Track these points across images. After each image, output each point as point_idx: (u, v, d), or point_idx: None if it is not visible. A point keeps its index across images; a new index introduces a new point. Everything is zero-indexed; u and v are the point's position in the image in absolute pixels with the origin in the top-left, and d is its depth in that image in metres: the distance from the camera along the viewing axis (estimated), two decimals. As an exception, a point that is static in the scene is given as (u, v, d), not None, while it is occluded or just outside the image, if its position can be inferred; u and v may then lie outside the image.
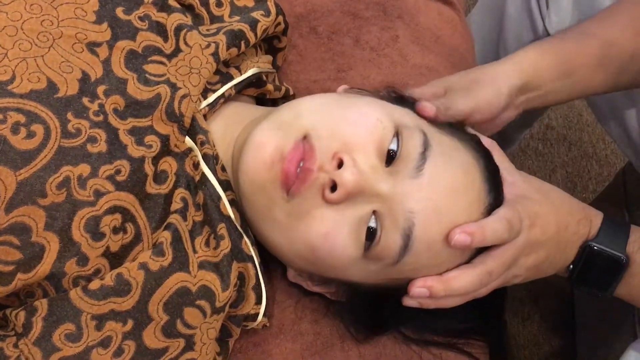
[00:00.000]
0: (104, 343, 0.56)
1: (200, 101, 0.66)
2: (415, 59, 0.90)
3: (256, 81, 0.74)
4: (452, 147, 0.63)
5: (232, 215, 0.64)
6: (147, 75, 0.63)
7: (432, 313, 0.64)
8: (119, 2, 0.64)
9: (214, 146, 0.65)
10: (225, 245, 0.62)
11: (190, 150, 0.63)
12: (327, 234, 0.59)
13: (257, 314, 0.65)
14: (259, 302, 0.65)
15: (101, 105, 0.59)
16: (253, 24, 0.71)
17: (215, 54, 0.66)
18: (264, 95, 0.77)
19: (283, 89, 0.79)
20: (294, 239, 0.61)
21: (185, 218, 0.61)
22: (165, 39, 0.65)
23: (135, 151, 0.59)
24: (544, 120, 1.66)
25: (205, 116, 0.66)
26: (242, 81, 0.71)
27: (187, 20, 0.67)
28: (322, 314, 0.70)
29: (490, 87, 0.72)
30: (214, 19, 0.72)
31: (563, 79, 0.76)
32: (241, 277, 0.64)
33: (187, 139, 0.63)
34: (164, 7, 0.67)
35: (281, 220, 0.60)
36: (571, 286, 0.71)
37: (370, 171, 0.58)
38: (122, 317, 0.56)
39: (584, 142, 1.66)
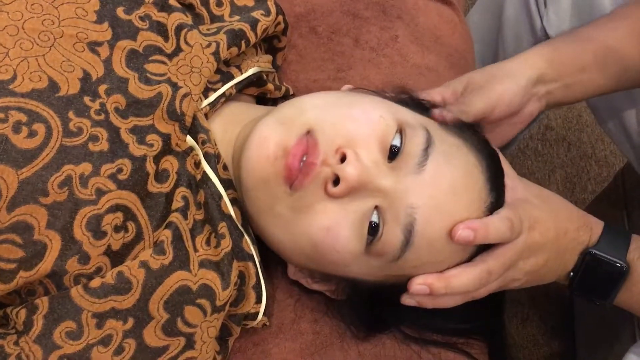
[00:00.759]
0: (105, 341, 0.56)
1: (201, 100, 0.66)
2: (415, 59, 0.90)
3: (257, 80, 0.74)
4: (455, 146, 0.63)
5: (233, 214, 0.65)
6: (148, 74, 0.63)
7: (432, 312, 0.64)
8: (120, 1, 0.65)
9: (215, 145, 0.65)
10: (226, 244, 0.62)
11: (191, 149, 0.63)
12: (329, 228, 0.59)
13: (257, 313, 0.65)
14: (259, 301, 0.65)
15: (102, 104, 0.60)
16: (253, 24, 0.71)
17: (216, 53, 0.66)
18: (265, 94, 0.77)
19: (283, 88, 0.79)
20: (296, 234, 0.61)
21: (186, 217, 0.61)
22: (166, 38, 0.66)
23: (136, 150, 0.60)
24: (543, 121, 1.67)
25: (206, 115, 0.67)
26: (242, 80, 0.71)
27: (188, 19, 0.68)
28: (321, 313, 0.70)
29: (507, 81, 0.72)
30: (214, 18, 0.72)
31: (579, 74, 0.76)
32: (241, 276, 0.64)
33: (189, 137, 0.63)
34: (164, 7, 0.67)
35: (283, 214, 0.60)
36: (571, 295, 0.71)
37: (372, 166, 0.58)
38: (122, 316, 0.57)
39: (583, 142, 1.66)
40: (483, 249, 0.63)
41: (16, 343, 0.55)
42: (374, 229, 0.59)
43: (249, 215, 0.65)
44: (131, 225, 0.59)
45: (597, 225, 0.69)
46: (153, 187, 0.60)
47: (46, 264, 0.55)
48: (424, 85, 0.88)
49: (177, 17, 0.67)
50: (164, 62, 0.64)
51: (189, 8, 0.71)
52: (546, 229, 0.65)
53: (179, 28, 0.66)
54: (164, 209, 0.61)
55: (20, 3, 0.61)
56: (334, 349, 0.69)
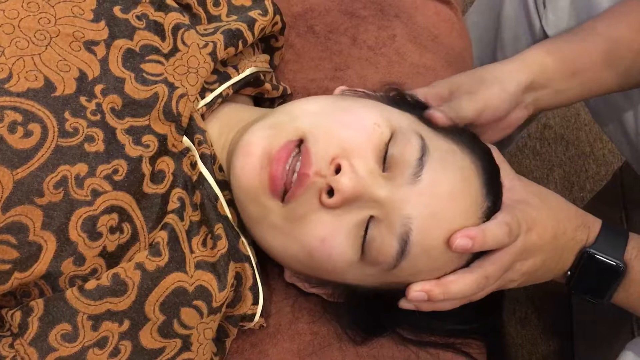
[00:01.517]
0: (100, 343, 0.56)
1: (198, 101, 0.65)
2: (413, 58, 0.89)
3: (254, 80, 0.74)
4: (449, 151, 0.62)
5: (230, 215, 0.64)
6: (144, 74, 0.62)
7: (430, 314, 0.64)
8: (117, 0, 0.64)
9: (212, 146, 0.65)
10: (223, 245, 0.62)
11: (187, 150, 0.63)
12: (324, 239, 0.59)
13: (254, 314, 0.65)
14: (255, 302, 0.65)
15: (98, 105, 0.59)
16: (250, 23, 0.71)
17: (212, 54, 0.66)
18: (262, 94, 0.77)
19: (281, 88, 0.79)
20: (290, 243, 0.60)
21: (182, 218, 0.61)
22: (163, 38, 0.65)
23: (132, 151, 0.59)
24: (541, 120, 1.66)
25: (203, 116, 0.66)
26: (239, 80, 0.71)
27: (185, 19, 0.67)
28: (319, 314, 0.70)
29: (496, 86, 0.72)
30: (211, 18, 0.72)
31: (570, 78, 0.76)
32: (238, 277, 0.64)
33: (185, 138, 0.63)
34: (161, 6, 0.66)
35: (277, 224, 0.60)
36: (569, 293, 0.71)
37: (368, 177, 0.58)
38: (118, 317, 0.56)
39: (582, 141, 1.66)
40: (480, 253, 0.62)
41: (11, 346, 0.55)
42: (367, 240, 0.59)
43: (243, 221, 0.65)
44: (127, 227, 0.58)
45: (595, 224, 0.69)
46: (149, 188, 0.60)
47: (41, 265, 0.55)
48: (421, 85, 0.87)
49: (174, 17, 0.66)
50: (160, 62, 0.64)
51: (186, 8, 0.71)
52: (544, 230, 0.65)
53: (176, 28, 0.66)
54: (160, 210, 0.60)
55: (17, 1, 0.60)
56: (332, 350, 0.69)
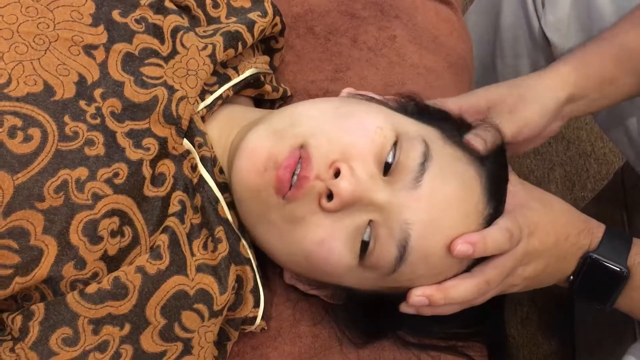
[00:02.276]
0: (101, 347, 0.56)
1: (198, 103, 0.65)
2: (413, 58, 0.89)
3: (254, 82, 0.74)
4: (454, 158, 0.62)
5: (230, 218, 0.64)
6: (144, 77, 0.62)
7: (431, 318, 0.64)
8: (115, 4, 0.64)
9: (212, 148, 0.65)
10: (223, 248, 0.62)
11: (188, 152, 0.63)
12: (322, 242, 0.59)
13: (255, 317, 0.65)
14: (256, 305, 0.65)
15: (98, 108, 0.59)
16: (250, 25, 0.71)
17: (212, 56, 0.66)
18: (262, 95, 0.77)
19: (281, 89, 0.79)
20: (289, 245, 0.60)
21: (183, 221, 0.61)
22: (162, 41, 0.65)
23: (133, 154, 0.59)
24: (542, 119, 1.66)
25: (203, 118, 0.66)
26: (239, 82, 0.71)
27: (184, 22, 0.67)
28: (320, 317, 0.70)
29: (537, 105, 0.71)
30: (210, 20, 0.72)
31: (600, 90, 0.76)
32: (239, 280, 0.64)
33: (185, 141, 0.63)
34: (160, 9, 0.66)
35: (277, 224, 0.60)
36: (571, 298, 0.71)
37: (368, 180, 0.58)
38: (119, 321, 0.56)
39: (583, 140, 1.65)
40: (481, 258, 0.62)
41: (12, 350, 0.55)
42: (366, 245, 0.59)
43: (244, 222, 0.65)
44: (127, 230, 0.58)
45: (598, 229, 0.68)
46: (149, 191, 0.60)
47: (42, 270, 0.55)
48: (422, 85, 0.87)
49: (173, 20, 0.66)
50: (160, 65, 0.64)
51: (185, 10, 0.71)
52: (546, 235, 0.65)
53: (175, 30, 0.66)
54: (161, 213, 0.60)
55: (15, 6, 0.60)
56: (333, 353, 0.69)
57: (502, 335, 0.78)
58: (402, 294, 0.62)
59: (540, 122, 0.71)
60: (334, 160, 0.58)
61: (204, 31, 0.69)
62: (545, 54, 1.00)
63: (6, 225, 0.53)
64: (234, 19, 0.72)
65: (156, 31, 0.65)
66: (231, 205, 0.65)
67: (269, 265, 0.69)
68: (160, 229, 0.60)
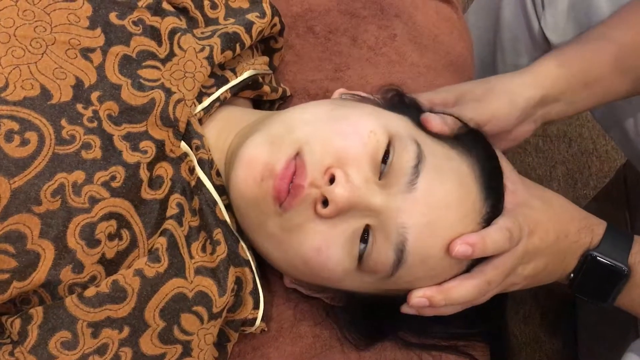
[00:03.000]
0: (100, 350, 0.56)
1: (195, 105, 0.65)
2: (413, 57, 0.89)
3: (252, 83, 0.73)
4: (446, 158, 0.62)
5: (228, 220, 0.64)
6: (141, 80, 0.62)
7: (431, 318, 0.64)
8: (113, 7, 0.64)
9: (209, 151, 0.65)
10: (222, 250, 0.61)
11: (185, 155, 0.63)
12: (320, 248, 0.58)
13: (255, 319, 0.65)
14: (256, 307, 0.65)
15: (95, 112, 0.59)
16: (248, 26, 0.71)
17: (209, 58, 0.66)
18: (261, 97, 0.77)
19: (280, 90, 0.79)
20: (287, 252, 0.60)
21: (181, 224, 0.61)
22: (160, 43, 0.65)
23: (130, 157, 0.59)
24: (543, 117, 1.65)
25: (200, 120, 0.66)
26: (237, 84, 0.70)
27: (182, 23, 0.67)
28: (321, 317, 0.70)
29: (505, 98, 0.70)
30: (208, 21, 0.72)
31: (581, 89, 0.74)
32: (238, 282, 0.63)
33: (183, 143, 0.63)
34: (157, 11, 0.66)
35: (274, 233, 0.60)
36: (573, 295, 0.70)
37: (363, 185, 0.58)
38: (118, 324, 0.56)
39: (585, 138, 1.65)
40: (482, 258, 0.62)
41: (11, 353, 0.55)
42: (364, 249, 0.59)
43: (241, 227, 0.65)
44: (125, 233, 0.58)
45: (599, 227, 0.68)
46: (147, 194, 0.60)
47: (40, 274, 0.55)
48: (422, 84, 0.87)
49: (171, 21, 0.66)
50: (157, 68, 0.64)
51: (182, 11, 0.70)
52: (546, 233, 0.64)
53: (173, 32, 0.65)
54: (159, 216, 0.60)
55: (12, 10, 0.60)
56: (334, 353, 0.69)
57: (504, 334, 0.77)
58: (402, 296, 0.62)
59: (508, 118, 0.70)
60: (328, 166, 0.58)
61: (202, 33, 0.69)
62: (545, 53, 0.99)
63: (2, 229, 0.53)
64: (232, 20, 0.72)
65: (154, 33, 0.65)
66: (229, 207, 0.64)
67: (268, 267, 0.68)
68: (159, 232, 0.60)
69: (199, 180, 0.63)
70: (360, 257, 0.59)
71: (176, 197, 0.61)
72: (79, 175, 0.56)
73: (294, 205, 0.57)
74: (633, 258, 0.67)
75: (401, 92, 0.70)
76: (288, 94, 0.81)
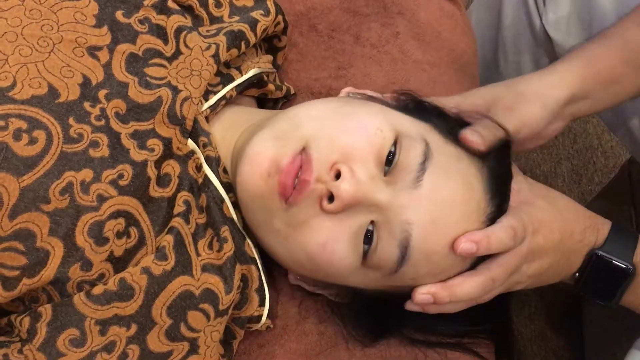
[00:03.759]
0: (108, 348, 0.56)
1: (202, 103, 0.65)
2: (417, 55, 0.89)
3: (257, 82, 0.74)
4: (454, 157, 0.61)
5: (235, 218, 0.64)
6: (148, 78, 0.63)
7: (436, 315, 0.64)
8: (119, 5, 0.64)
9: (216, 148, 0.65)
10: (229, 247, 0.62)
11: (192, 152, 0.63)
12: (325, 244, 0.59)
13: (260, 316, 0.65)
14: (262, 304, 0.65)
15: (103, 110, 0.59)
16: (253, 24, 0.71)
17: (215, 56, 0.66)
18: (266, 95, 0.77)
19: (284, 88, 0.79)
20: (293, 248, 0.60)
21: (188, 221, 0.61)
22: (166, 41, 0.65)
23: (137, 155, 0.59)
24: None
25: (207, 118, 0.66)
26: (243, 82, 0.71)
27: (187, 21, 0.67)
28: (326, 314, 0.70)
29: (537, 103, 0.69)
30: (213, 19, 0.72)
31: (608, 87, 0.74)
32: (244, 280, 0.64)
33: (190, 141, 0.63)
34: (163, 10, 0.66)
35: (280, 229, 0.60)
36: (577, 294, 0.70)
37: (368, 182, 0.58)
38: (125, 322, 0.57)
39: (589, 133, 1.65)
40: (486, 255, 0.62)
41: (20, 351, 0.55)
42: (368, 245, 0.59)
43: (247, 224, 0.65)
44: (133, 231, 0.59)
45: (603, 226, 0.68)
46: (155, 191, 0.60)
47: (49, 271, 0.55)
48: (425, 81, 0.87)
49: (177, 20, 0.66)
50: (163, 66, 0.64)
51: (188, 10, 0.71)
52: (551, 232, 0.64)
53: (179, 31, 0.66)
54: (166, 214, 0.61)
55: (19, 9, 0.60)
56: (339, 350, 0.69)
57: (509, 331, 0.77)
58: (407, 293, 0.62)
59: (540, 122, 0.70)
60: (334, 161, 0.58)
61: (207, 31, 0.69)
62: (548, 50, 0.99)
63: (12, 227, 0.54)
64: (236, 18, 0.72)
65: (159, 31, 0.66)
66: (236, 205, 0.65)
67: (274, 264, 0.69)
68: (166, 229, 0.60)
69: (206, 177, 0.63)
70: (365, 253, 0.59)
71: (184, 195, 0.61)
72: (87, 174, 0.57)
73: (299, 201, 0.57)
74: (638, 257, 0.67)
75: (416, 96, 0.70)
76: (292, 92, 0.81)
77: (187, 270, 0.59)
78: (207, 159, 0.64)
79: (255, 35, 0.71)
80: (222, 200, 0.64)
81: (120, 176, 0.58)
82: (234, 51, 0.68)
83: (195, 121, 0.64)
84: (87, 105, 0.59)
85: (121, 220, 0.58)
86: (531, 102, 0.70)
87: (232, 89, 0.69)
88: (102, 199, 0.57)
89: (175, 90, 0.63)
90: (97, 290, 0.56)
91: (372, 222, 0.59)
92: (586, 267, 0.67)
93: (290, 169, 0.57)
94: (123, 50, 0.63)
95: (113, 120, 0.60)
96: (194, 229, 0.61)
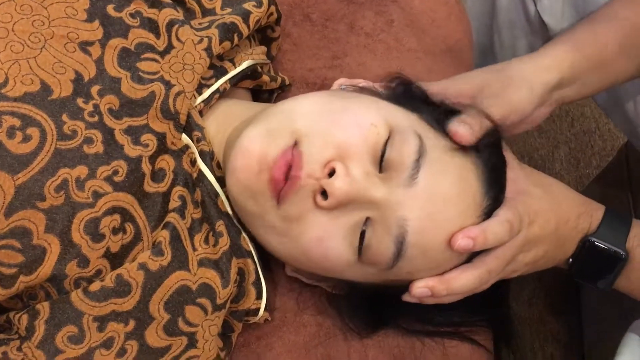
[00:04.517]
0: (107, 344, 0.57)
1: (195, 97, 0.65)
2: (411, 43, 0.89)
3: (251, 73, 0.73)
4: (447, 151, 0.61)
5: (230, 212, 0.64)
6: (140, 73, 0.62)
7: (434, 306, 0.64)
8: None
9: (210, 142, 0.65)
10: (224, 242, 0.62)
11: (187, 147, 0.63)
12: (320, 239, 0.59)
13: (258, 309, 0.65)
14: (259, 297, 0.65)
15: (96, 106, 0.59)
16: (245, 16, 0.70)
17: (208, 49, 0.66)
18: (260, 86, 0.77)
19: (279, 79, 0.78)
20: (288, 243, 0.60)
21: (183, 216, 0.61)
22: (158, 35, 0.65)
23: (131, 151, 0.59)
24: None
25: (200, 112, 0.66)
26: (236, 74, 0.70)
27: (179, 15, 0.67)
28: (324, 305, 0.70)
29: (524, 88, 0.69)
30: (205, 12, 0.71)
31: (596, 72, 0.74)
32: (241, 273, 0.64)
33: (184, 136, 0.63)
34: (155, 3, 0.66)
35: (275, 224, 0.60)
36: (571, 278, 0.71)
37: (363, 179, 0.57)
38: (123, 318, 0.57)
39: (587, 117, 1.65)
40: None
41: (19, 349, 0.55)
42: (363, 242, 0.59)
43: (241, 219, 0.65)
44: (129, 227, 0.59)
45: (597, 212, 0.68)
46: (150, 187, 0.60)
47: (46, 268, 0.55)
48: (420, 69, 0.87)
49: (168, 13, 0.66)
50: (156, 60, 0.64)
51: (179, 3, 0.70)
52: (546, 221, 0.65)
53: (170, 24, 0.65)
54: (162, 209, 0.61)
55: (10, 5, 0.60)
56: (337, 341, 0.69)
57: (507, 319, 0.77)
58: (404, 285, 0.63)
59: (528, 107, 0.69)
60: (329, 159, 0.57)
61: (199, 24, 0.69)
62: (543, 36, 0.99)
63: (8, 225, 0.54)
64: (229, 10, 0.71)
65: (151, 25, 0.65)
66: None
67: (271, 257, 0.69)
68: (162, 225, 0.60)
69: (200, 172, 0.63)
70: (360, 249, 0.59)
71: (178, 190, 0.61)
72: (81, 170, 0.57)
73: (290, 195, 0.57)
74: (631, 242, 0.67)
75: (407, 81, 0.69)
76: (287, 82, 0.80)
77: (184, 265, 0.59)
78: (201, 153, 0.63)
79: (248, 27, 0.71)
80: (217, 194, 0.64)
81: (115, 172, 0.58)
82: (227, 44, 0.68)
83: (189, 115, 0.63)
84: (80, 101, 0.59)
85: (117, 216, 0.58)
86: (519, 87, 0.69)
87: (225, 82, 0.69)
88: (97, 195, 0.57)
89: (168, 85, 0.62)
90: (94, 286, 0.56)
91: (367, 219, 0.59)
92: (579, 254, 0.68)
93: (281, 163, 0.57)
94: (115, 45, 0.63)
95: (106, 116, 0.59)
96: (190, 224, 0.61)
